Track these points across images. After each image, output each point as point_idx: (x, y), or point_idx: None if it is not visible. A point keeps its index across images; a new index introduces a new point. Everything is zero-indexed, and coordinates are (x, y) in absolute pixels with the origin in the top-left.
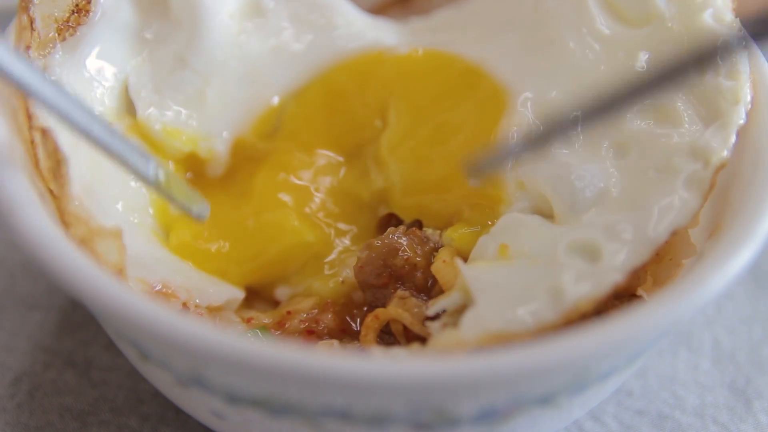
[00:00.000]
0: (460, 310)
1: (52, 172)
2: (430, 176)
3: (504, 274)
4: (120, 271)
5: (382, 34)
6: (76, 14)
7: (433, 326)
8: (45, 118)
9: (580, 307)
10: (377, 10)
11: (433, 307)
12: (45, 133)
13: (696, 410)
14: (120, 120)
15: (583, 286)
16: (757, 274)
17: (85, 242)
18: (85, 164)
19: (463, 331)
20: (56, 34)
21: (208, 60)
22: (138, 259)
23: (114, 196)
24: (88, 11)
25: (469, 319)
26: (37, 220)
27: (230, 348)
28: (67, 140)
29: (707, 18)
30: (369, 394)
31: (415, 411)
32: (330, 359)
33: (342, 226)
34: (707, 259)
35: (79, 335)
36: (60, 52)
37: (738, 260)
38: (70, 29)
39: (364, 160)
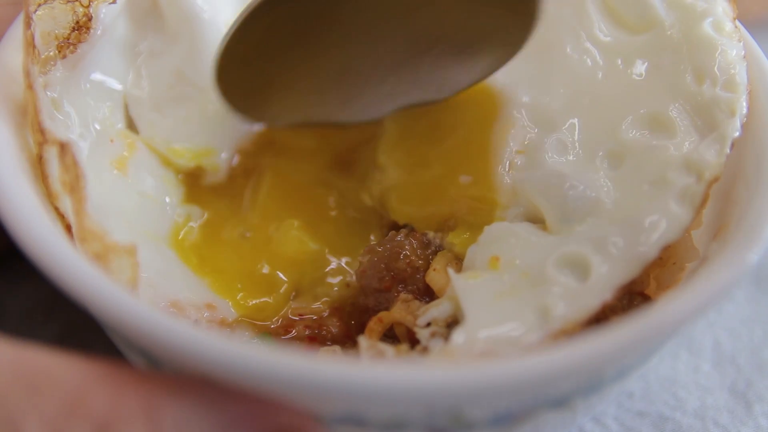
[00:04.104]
0: (450, 319)
1: (69, 186)
2: (425, 178)
3: (494, 289)
4: (133, 288)
5: None
6: (76, 31)
7: (422, 334)
8: (62, 132)
9: (566, 329)
10: None
11: (423, 316)
12: (64, 146)
13: (697, 412)
14: (124, 137)
15: (571, 306)
16: (758, 276)
17: (99, 258)
18: (94, 181)
19: (453, 346)
20: (57, 51)
21: (205, 72)
22: (146, 279)
23: (123, 214)
24: (89, 28)
25: (459, 335)
26: (47, 233)
27: (245, 358)
28: (82, 156)
29: (707, 26)
30: (389, 402)
31: (431, 416)
32: (348, 367)
33: (346, 231)
34: (714, 262)
35: (81, 337)
36: (61, 70)
37: (744, 263)
38: (71, 46)
39: (363, 166)
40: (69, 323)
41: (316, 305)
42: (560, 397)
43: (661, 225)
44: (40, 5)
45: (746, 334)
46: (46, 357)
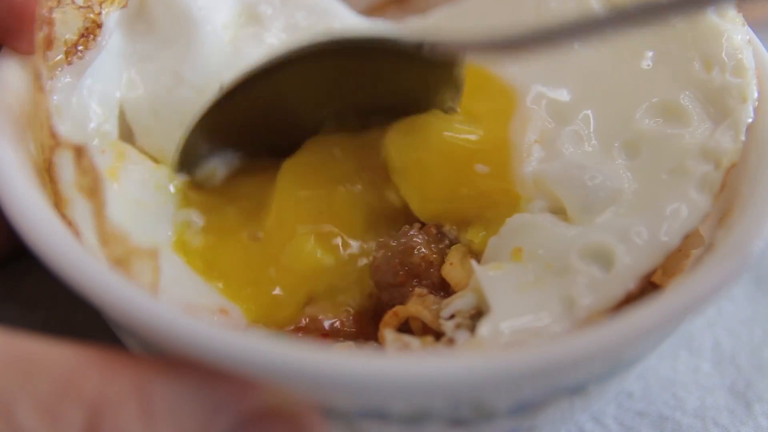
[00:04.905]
0: (474, 310)
1: (88, 190)
2: (447, 174)
3: (518, 280)
4: (154, 292)
5: None
6: (84, 38)
7: (447, 325)
8: (75, 136)
9: (592, 318)
10: (374, 10)
11: (447, 309)
12: (79, 150)
13: (696, 412)
14: (115, 147)
15: (596, 296)
16: (758, 275)
17: (120, 262)
18: None
19: (480, 338)
20: (64, 57)
21: (203, 73)
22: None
23: (133, 218)
24: (96, 35)
25: (484, 327)
26: (61, 238)
27: (264, 354)
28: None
29: (710, 12)
30: (412, 394)
31: (453, 408)
32: (372, 361)
33: (365, 236)
34: (721, 248)
35: (81, 335)
36: (67, 76)
37: (751, 249)
38: (78, 53)
39: (380, 166)
40: (68, 323)
41: (336, 309)
42: (578, 383)
43: (682, 213)
44: (52, 9)
45: (746, 334)
46: (37, 343)
